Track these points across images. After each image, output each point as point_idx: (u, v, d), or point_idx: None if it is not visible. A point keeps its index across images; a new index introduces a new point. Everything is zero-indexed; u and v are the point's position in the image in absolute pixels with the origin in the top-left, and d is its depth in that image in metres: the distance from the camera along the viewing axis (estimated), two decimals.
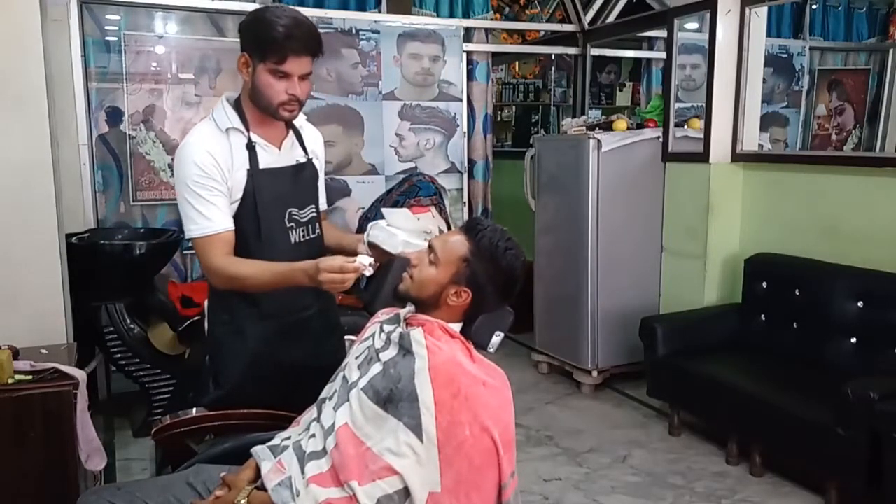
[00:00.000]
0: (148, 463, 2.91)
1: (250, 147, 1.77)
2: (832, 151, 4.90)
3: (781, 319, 3.25)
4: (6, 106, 2.43)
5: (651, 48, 5.18)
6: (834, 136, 5.23)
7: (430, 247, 1.52)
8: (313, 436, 1.48)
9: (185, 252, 3.79)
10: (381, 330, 1.56)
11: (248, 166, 1.77)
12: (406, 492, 1.31)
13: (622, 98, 6.87)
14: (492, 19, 4.77)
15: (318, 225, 1.94)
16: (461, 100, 4.44)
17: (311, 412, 1.58)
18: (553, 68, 6.23)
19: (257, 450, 1.52)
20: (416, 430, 1.32)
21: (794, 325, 3.19)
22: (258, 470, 1.48)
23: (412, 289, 1.51)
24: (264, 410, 1.77)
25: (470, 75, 4.49)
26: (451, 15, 4.48)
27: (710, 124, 3.59)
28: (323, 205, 2.03)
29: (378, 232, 1.60)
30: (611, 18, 4.74)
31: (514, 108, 7.18)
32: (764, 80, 3.93)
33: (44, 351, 2.35)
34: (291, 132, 1.90)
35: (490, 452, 1.36)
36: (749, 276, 3.41)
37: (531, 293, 4.24)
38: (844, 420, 2.49)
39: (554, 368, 4.19)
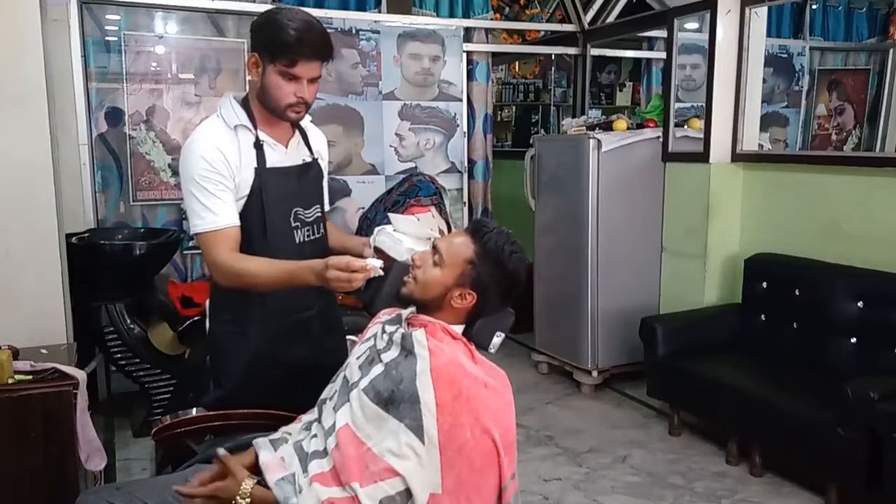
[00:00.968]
0: (148, 463, 2.92)
1: (258, 145, 1.78)
2: (832, 151, 4.90)
3: (781, 319, 3.25)
4: (6, 106, 2.43)
5: (651, 48, 5.18)
6: (834, 136, 5.23)
7: (435, 248, 1.52)
8: (314, 436, 1.49)
9: (185, 252, 3.79)
10: (383, 331, 1.56)
11: (255, 164, 1.77)
12: (408, 493, 1.31)
13: (622, 98, 6.87)
14: (492, 19, 4.77)
15: (322, 225, 1.94)
16: (461, 100, 4.44)
17: (312, 413, 1.58)
18: (553, 68, 6.23)
19: (259, 442, 1.51)
20: (418, 431, 1.32)
21: (794, 325, 3.19)
22: (257, 461, 1.48)
23: (416, 290, 1.51)
24: (264, 410, 1.77)
25: (470, 75, 4.49)
26: (451, 15, 4.48)
27: (710, 124, 3.59)
28: (326, 206, 2.03)
29: (385, 238, 1.60)
30: (611, 18, 4.74)
31: (514, 108, 7.18)
32: (764, 80, 3.93)
33: (44, 351, 2.35)
34: (297, 132, 1.90)
35: (491, 454, 1.36)
36: (749, 276, 3.41)
37: (531, 293, 4.24)
38: (844, 420, 2.49)
39: (554, 368, 4.19)
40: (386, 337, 1.53)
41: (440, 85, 4.38)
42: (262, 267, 1.70)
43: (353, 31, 4.12)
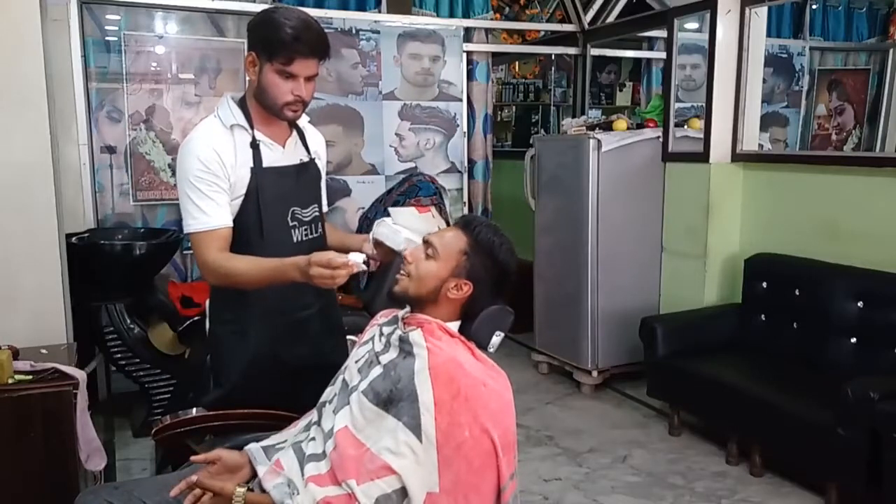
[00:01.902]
0: (148, 463, 2.92)
1: (254, 145, 1.78)
2: (832, 151, 4.89)
3: (781, 319, 3.25)
4: (6, 106, 2.43)
5: (651, 48, 5.18)
6: (834, 136, 5.23)
7: (427, 242, 1.53)
8: (313, 439, 1.49)
9: (185, 252, 3.79)
10: (381, 333, 1.57)
11: (251, 164, 1.77)
12: (404, 491, 1.31)
13: (622, 98, 6.87)
14: (492, 19, 4.77)
15: (320, 225, 1.94)
16: (461, 100, 4.44)
17: (311, 416, 1.58)
18: (553, 68, 6.23)
19: (251, 449, 1.51)
20: (416, 430, 1.32)
21: (794, 325, 3.19)
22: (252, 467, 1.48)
23: (410, 286, 1.51)
24: (264, 410, 1.77)
25: (470, 75, 4.50)
26: (451, 15, 4.48)
27: (710, 124, 3.59)
28: (324, 205, 2.03)
29: (384, 229, 1.60)
30: (611, 18, 4.74)
31: (514, 108, 7.18)
32: (764, 80, 3.93)
33: (44, 351, 2.35)
34: (295, 132, 1.90)
35: (489, 454, 1.36)
36: (749, 276, 3.41)
37: (531, 293, 4.24)
38: (844, 420, 2.49)
39: (554, 368, 4.19)
40: (384, 339, 1.54)
41: (440, 85, 4.38)
42: (248, 266, 1.70)
43: (353, 31, 4.12)
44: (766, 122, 4.48)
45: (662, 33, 4.36)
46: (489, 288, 1.52)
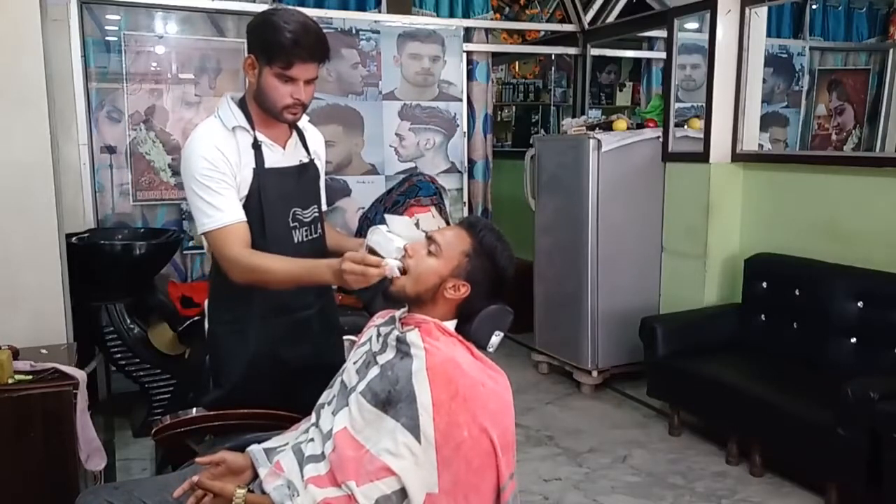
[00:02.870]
0: (148, 463, 2.92)
1: (256, 146, 1.78)
2: (832, 151, 4.90)
3: (781, 319, 3.25)
4: (6, 106, 2.43)
5: (651, 48, 5.18)
6: (834, 136, 5.23)
7: (431, 238, 1.53)
8: (312, 440, 1.49)
9: (185, 252, 3.79)
10: (378, 333, 1.57)
11: (253, 165, 1.77)
12: (404, 492, 1.31)
13: (622, 98, 6.87)
14: (492, 19, 4.77)
15: (320, 225, 1.95)
16: (461, 100, 4.44)
17: (310, 418, 1.58)
18: (553, 68, 6.23)
19: (253, 451, 1.51)
20: (414, 430, 1.32)
21: (794, 325, 3.19)
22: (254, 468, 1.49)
23: (408, 283, 1.51)
24: (264, 410, 1.77)
25: (470, 75, 4.50)
26: (451, 15, 4.48)
27: (710, 124, 3.59)
28: (323, 206, 2.03)
29: (378, 237, 1.61)
30: (611, 18, 4.74)
31: (514, 108, 7.18)
32: (764, 80, 3.92)
33: (44, 351, 2.35)
34: (295, 133, 1.90)
35: (488, 454, 1.36)
36: (749, 276, 3.41)
37: (531, 293, 4.24)
38: (844, 420, 2.49)
39: (554, 368, 4.19)
40: (381, 339, 1.54)
41: (440, 85, 4.38)
42: (279, 263, 1.69)
43: (353, 31, 4.12)
44: (766, 122, 4.48)
45: (662, 33, 4.36)
46: (485, 291, 1.53)
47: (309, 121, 1.96)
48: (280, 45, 1.67)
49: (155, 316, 3.36)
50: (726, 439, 3.06)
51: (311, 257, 1.79)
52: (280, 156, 1.83)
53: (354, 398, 1.44)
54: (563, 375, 4.11)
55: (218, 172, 1.71)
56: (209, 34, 3.85)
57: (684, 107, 4.04)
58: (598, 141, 3.74)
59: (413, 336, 1.46)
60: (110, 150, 3.68)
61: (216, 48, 3.85)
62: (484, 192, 4.64)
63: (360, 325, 1.80)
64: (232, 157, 1.74)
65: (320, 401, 1.58)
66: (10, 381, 2.06)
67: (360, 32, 4.14)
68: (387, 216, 1.69)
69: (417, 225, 1.66)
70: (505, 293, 1.56)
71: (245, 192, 1.76)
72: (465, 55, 4.43)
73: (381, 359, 1.48)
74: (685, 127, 3.84)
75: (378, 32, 4.18)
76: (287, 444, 1.54)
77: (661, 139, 3.86)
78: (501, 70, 6.99)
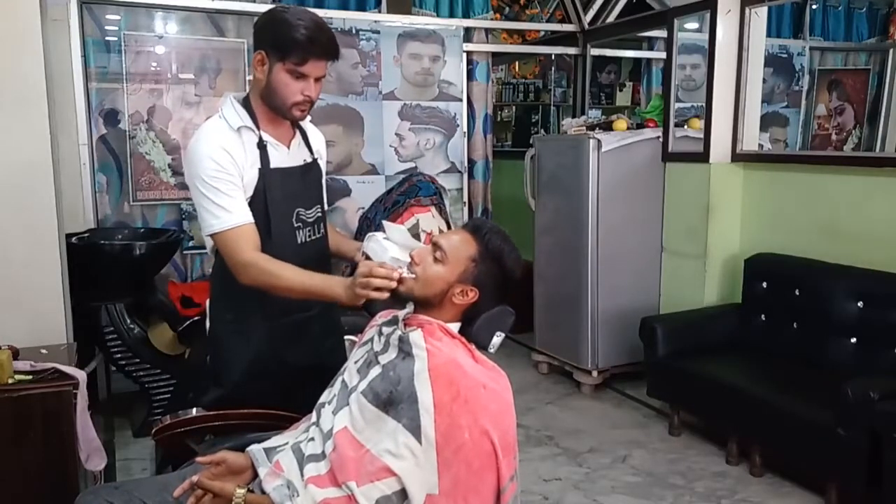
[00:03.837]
0: (148, 463, 2.92)
1: (262, 146, 1.77)
2: (832, 151, 4.89)
3: (781, 319, 3.25)
4: (6, 106, 2.43)
5: (651, 48, 5.18)
6: (834, 136, 5.23)
7: (436, 245, 1.52)
8: (312, 439, 1.48)
9: (185, 252, 3.79)
10: (380, 333, 1.56)
11: (259, 165, 1.76)
12: (404, 493, 1.31)
13: (622, 98, 6.86)
14: (492, 19, 4.77)
15: (322, 225, 1.94)
16: (461, 100, 4.44)
17: (310, 418, 1.58)
18: (553, 68, 6.23)
19: (253, 451, 1.51)
20: (416, 431, 1.32)
21: (794, 325, 3.19)
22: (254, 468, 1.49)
23: (416, 287, 1.51)
24: (264, 410, 1.77)
25: (470, 75, 4.50)
26: (451, 15, 4.48)
27: (710, 124, 3.59)
28: (325, 206, 2.03)
29: (374, 245, 1.61)
30: (611, 18, 4.74)
31: (514, 108, 7.18)
32: (764, 80, 3.92)
33: (44, 351, 2.35)
34: (298, 132, 1.90)
35: (489, 456, 1.35)
36: (749, 276, 3.41)
37: (531, 293, 4.24)
38: (844, 420, 2.49)
39: (554, 368, 4.19)
40: (383, 339, 1.53)
41: (440, 85, 4.38)
42: (292, 273, 1.67)
43: (353, 31, 4.12)
44: (766, 122, 4.48)
45: (662, 33, 4.35)
46: (492, 294, 1.52)
47: (310, 120, 1.96)
48: (296, 41, 1.68)
49: (155, 316, 3.36)
50: (726, 439, 3.06)
51: (314, 257, 1.79)
52: (285, 155, 1.83)
53: (355, 398, 1.43)
54: (563, 375, 4.11)
55: (225, 173, 1.71)
56: (209, 34, 3.85)
57: (684, 107, 4.04)
58: (598, 141, 3.74)
59: (416, 336, 1.45)
60: (110, 150, 3.67)
61: (216, 48, 3.85)
62: (484, 192, 4.64)
63: (360, 325, 1.80)
64: (238, 157, 1.73)
65: (321, 400, 1.58)
66: (10, 381, 2.07)
67: (360, 32, 4.14)
68: (385, 223, 1.69)
69: (417, 225, 1.66)
70: (512, 293, 1.56)
71: (251, 192, 1.76)
72: (465, 55, 4.43)
73: (383, 359, 1.47)
74: (685, 127, 3.84)
75: (378, 32, 4.18)
76: (287, 443, 1.54)
77: (661, 139, 3.86)
78: (501, 70, 6.99)
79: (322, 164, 1.99)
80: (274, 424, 1.72)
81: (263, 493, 1.41)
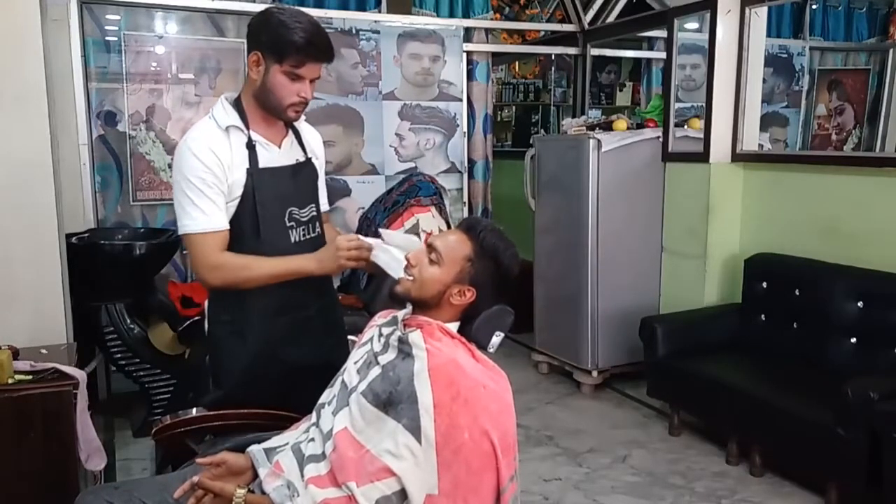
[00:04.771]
0: (148, 463, 2.92)
1: (250, 146, 1.77)
2: (832, 151, 4.89)
3: (781, 319, 3.25)
4: (6, 106, 2.43)
5: (651, 48, 5.18)
6: (834, 136, 5.23)
7: (431, 246, 1.52)
8: (312, 440, 1.48)
9: (185, 252, 3.78)
10: (380, 333, 1.56)
11: (247, 165, 1.77)
12: (404, 494, 1.31)
13: (622, 98, 6.87)
14: (492, 19, 4.77)
15: (318, 224, 1.94)
16: (461, 100, 4.44)
17: (310, 418, 1.58)
18: (553, 68, 6.23)
19: (253, 451, 1.51)
20: (415, 431, 1.32)
21: (794, 325, 3.19)
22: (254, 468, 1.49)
23: (413, 289, 1.51)
24: (264, 410, 1.77)
25: (470, 75, 4.50)
26: (451, 15, 4.48)
27: (710, 124, 3.59)
28: (325, 205, 2.03)
29: (382, 254, 1.62)
30: (611, 18, 4.74)
31: (514, 108, 7.18)
32: (764, 80, 3.92)
33: (44, 351, 2.35)
34: (291, 132, 1.90)
35: (489, 456, 1.35)
36: (749, 276, 3.41)
37: (531, 293, 4.24)
38: (844, 420, 2.49)
39: (554, 368, 4.19)
40: (382, 339, 1.53)
41: (440, 85, 4.38)
42: (262, 261, 1.74)
43: (353, 31, 4.12)
44: (766, 122, 4.48)
45: (662, 33, 4.35)
46: (491, 292, 1.52)
47: (305, 120, 1.96)
48: (293, 44, 1.68)
49: (155, 316, 3.36)
50: (726, 439, 3.06)
51: None
52: (276, 155, 1.83)
53: (355, 398, 1.43)
54: (563, 375, 4.11)
55: (211, 175, 1.71)
56: (209, 34, 3.85)
57: (684, 107, 4.04)
58: (598, 141, 3.74)
59: (415, 337, 1.45)
60: (110, 150, 3.67)
61: (216, 48, 3.85)
62: (484, 192, 4.64)
63: (360, 325, 1.80)
64: (225, 158, 1.74)
65: (321, 400, 1.58)
66: (10, 381, 2.07)
67: (360, 32, 4.14)
68: (382, 231, 1.70)
69: (417, 225, 1.67)
70: (511, 290, 1.56)
71: (239, 192, 1.76)
72: (465, 55, 4.43)
73: (383, 359, 1.47)
74: (685, 127, 3.84)
75: (378, 32, 4.18)
76: (287, 444, 1.54)
77: (661, 139, 3.86)
78: (501, 70, 6.99)
79: (318, 163, 1.98)
80: (274, 424, 1.71)
81: (264, 493, 1.41)
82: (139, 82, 3.71)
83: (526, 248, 4.18)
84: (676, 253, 3.84)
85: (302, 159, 1.90)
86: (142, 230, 3.61)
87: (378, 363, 1.47)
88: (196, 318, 3.23)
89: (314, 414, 1.56)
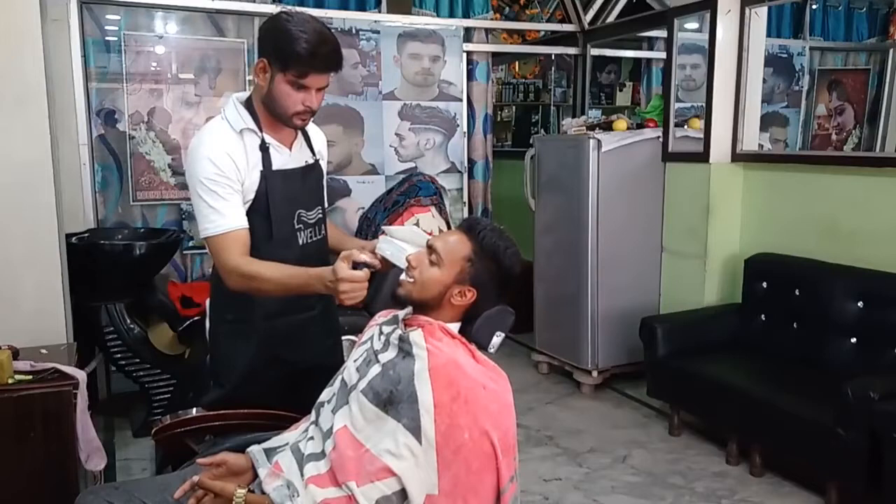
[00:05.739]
0: (148, 463, 2.92)
1: (264, 148, 1.77)
2: (832, 151, 4.90)
3: (781, 319, 3.25)
4: (6, 106, 2.43)
5: (651, 48, 5.18)
6: (834, 136, 5.23)
7: (431, 247, 1.52)
8: (311, 438, 1.48)
9: (185, 252, 3.79)
10: (380, 332, 1.56)
11: (261, 167, 1.76)
12: (404, 493, 1.30)
13: (622, 98, 6.86)
14: (492, 19, 4.78)
15: (323, 227, 1.95)
16: (461, 100, 4.44)
17: (309, 417, 1.57)
18: (553, 68, 6.23)
19: (253, 451, 1.51)
20: (416, 431, 1.32)
21: (794, 325, 3.19)
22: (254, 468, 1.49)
23: (414, 290, 1.51)
24: (264, 410, 1.77)
25: (470, 75, 4.50)
26: (451, 15, 4.48)
27: (710, 124, 3.59)
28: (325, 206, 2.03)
29: (388, 246, 1.61)
30: (611, 18, 4.74)
31: (514, 108, 7.18)
32: (764, 80, 3.92)
33: (44, 351, 2.35)
34: (300, 133, 1.90)
35: (489, 457, 1.35)
36: (749, 276, 3.41)
37: (531, 293, 4.24)
38: (844, 420, 2.49)
39: (554, 368, 4.19)
40: (383, 338, 1.53)
41: (440, 85, 4.38)
42: (273, 272, 1.67)
43: (353, 31, 4.12)
44: (766, 122, 4.48)
45: (662, 33, 4.36)
46: (492, 292, 1.51)
47: (311, 121, 1.96)
48: (297, 55, 1.65)
49: (155, 316, 3.36)
50: (726, 439, 3.06)
51: (315, 258, 1.79)
52: (287, 157, 1.83)
53: (355, 396, 1.43)
54: (563, 375, 4.11)
55: (225, 177, 1.70)
56: (209, 34, 3.85)
57: (684, 107, 4.04)
58: (598, 141, 3.74)
59: (416, 336, 1.45)
60: (110, 150, 3.67)
61: (216, 48, 3.85)
62: (484, 192, 4.64)
63: (360, 325, 1.80)
64: (240, 160, 1.73)
65: (320, 399, 1.58)
66: (10, 381, 2.07)
67: (360, 32, 4.14)
68: (385, 227, 1.69)
69: (417, 225, 1.66)
70: (512, 290, 1.55)
71: (252, 194, 1.76)
72: (465, 55, 4.43)
73: (383, 357, 1.47)
74: (685, 127, 3.84)
75: (378, 32, 4.18)
76: (287, 443, 1.54)
77: (661, 139, 3.86)
78: (501, 70, 6.99)
79: (323, 164, 1.98)
80: (274, 424, 1.72)
81: (264, 493, 1.41)
82: (139, 82, 3.71)
83: (526, 248, 4.17)
84: (676, 253, 3.84)
85: (311, 161, 1.90)
86: (142, 230, 3.61)
87: (378, 361, 1.47)
88: (196, 318, 3.23)
89: (313, 412, 1.56)
